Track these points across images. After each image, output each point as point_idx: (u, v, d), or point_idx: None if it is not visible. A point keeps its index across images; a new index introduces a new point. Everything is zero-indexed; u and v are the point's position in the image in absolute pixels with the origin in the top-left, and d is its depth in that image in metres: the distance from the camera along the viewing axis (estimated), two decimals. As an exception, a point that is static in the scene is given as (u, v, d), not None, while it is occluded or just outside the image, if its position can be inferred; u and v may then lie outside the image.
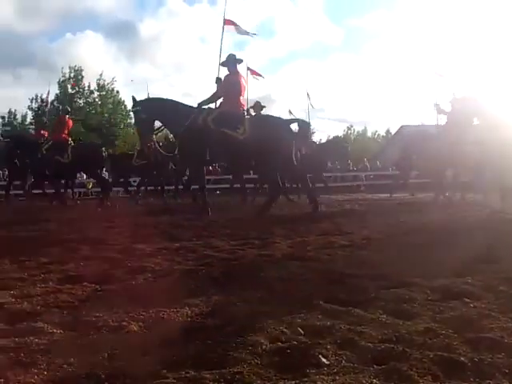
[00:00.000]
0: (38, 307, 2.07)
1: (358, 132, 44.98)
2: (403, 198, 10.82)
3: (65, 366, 1.45)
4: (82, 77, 31.83)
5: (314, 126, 13.52)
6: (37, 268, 3.04)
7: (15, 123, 33.80)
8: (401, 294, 2.19)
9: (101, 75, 32.17)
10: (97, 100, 32.13)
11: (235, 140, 6.50)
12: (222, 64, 7.38)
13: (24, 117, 33.42)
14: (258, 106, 9.60)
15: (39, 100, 30.93)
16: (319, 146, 14.28)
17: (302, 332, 1.70)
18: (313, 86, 63.33)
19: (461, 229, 4.63)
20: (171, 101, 7.23)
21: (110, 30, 62.79)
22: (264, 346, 1.55)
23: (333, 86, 68.37)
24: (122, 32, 57.18)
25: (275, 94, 64.29)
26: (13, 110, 34.27)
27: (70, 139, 9.98)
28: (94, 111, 31.50)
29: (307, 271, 2.75)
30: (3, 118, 34.23)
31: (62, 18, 60.92)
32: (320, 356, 1.46)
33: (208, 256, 3.43)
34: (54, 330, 1.77)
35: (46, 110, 11.67)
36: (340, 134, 42.18)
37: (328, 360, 1.44)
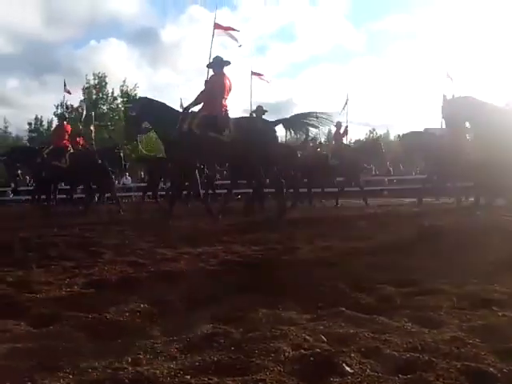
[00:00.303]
0: (64, 311, 2.10)
1: (380, 135, 44.43)
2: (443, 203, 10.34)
3: (89, 370, 1.47)
4: (106, 83, 32.45)
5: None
6: (62, 272, 3.10)
7: (41, 129, 34.65)
8: (427, 302, 2.15)
9: (124, 81, 32.71)
10: (120, 106, 32.64)
11: (221, 143, 6.53)
12: (208, 65, 7.37)
13: (50, 123, 34.23)
14: (260, 111, 9.61)
15: (64, 106, 31.65)
16: (355, 148, 13.97)
17: (325, 339, 1.68)
18: (335, 90, 63.09)
19: (488, 233, 4.51)
20: (162, 103, 7.30)
21: (132, 37, 64.29)
22: (287, 354, 1.53)
23: (355, 89, 67.91)
24: (144, 39, 58.44)
25: (297, 97, 64.21)
26: (39, 117, 35.20)
27: (69, 145, 10.22)
28: (117, 117, 32.02)
29: (330, 277, 2.71)
30: (30, 124, 35.16)
31: (87, 26, 62.44)
32: (344, 364, 1.43)
33: (230, 261, 3.43)
34: (79, 334, 1.79)
35: (83, 117, 11.77)
36: (362, 137, 41.85)
37: (352, 368, 1.42)
